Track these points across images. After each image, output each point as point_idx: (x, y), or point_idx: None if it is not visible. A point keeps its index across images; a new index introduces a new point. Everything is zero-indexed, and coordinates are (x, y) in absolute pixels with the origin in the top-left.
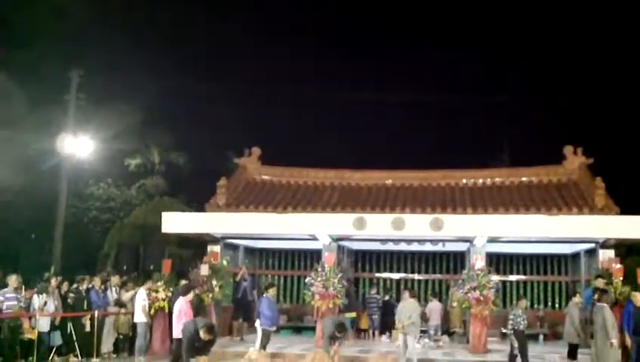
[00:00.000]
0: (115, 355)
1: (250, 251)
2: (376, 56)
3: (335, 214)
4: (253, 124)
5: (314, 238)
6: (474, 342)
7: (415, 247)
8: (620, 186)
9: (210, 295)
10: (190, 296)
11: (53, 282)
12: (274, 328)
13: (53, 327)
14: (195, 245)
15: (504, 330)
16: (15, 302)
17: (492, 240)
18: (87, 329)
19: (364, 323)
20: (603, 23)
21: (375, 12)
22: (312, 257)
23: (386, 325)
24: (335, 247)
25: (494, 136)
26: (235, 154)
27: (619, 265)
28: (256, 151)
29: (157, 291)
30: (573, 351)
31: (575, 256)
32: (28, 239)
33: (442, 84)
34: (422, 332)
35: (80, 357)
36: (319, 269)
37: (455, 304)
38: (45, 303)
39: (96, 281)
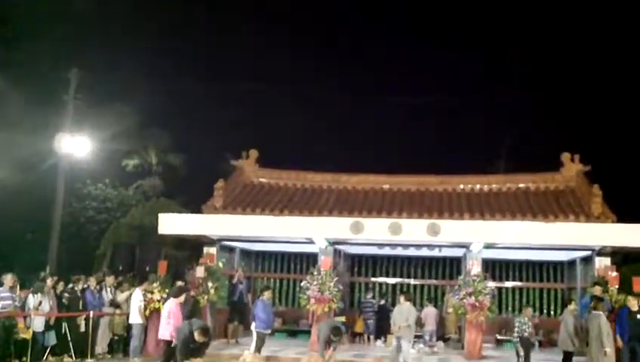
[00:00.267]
0: (109, 356)
1: (246, 254)
2: (373, 57)
3: (332, 218)
4: (251, 126)
5: (310, 242)
6: (469, 348)
7: (411, 252)
8: (617, 194)
9: (206, 297)
10: (181, 298)
11: (49, 282)
12: (269, 331)
13: (47, 327)
14: (192, 247)
15: (499, 337)
16: (10, 302)
17: (488, 246)
18: (82, 329)
19: (359, 328)
20: (602, 29)
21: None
22: (309, 261)
23: (382, 330)
24: (331, 251)
25: (492, 140)
26: (232, 156)
27: (615, 273)
28: (254, 153)
29: (152, 292)
30: (567, 359)
31: (571, 264)
32: (24, 238)
33: (441, 85)
34: (417, 337)
35: (74, 358)
36: (315, 273)
37: (451, 310)
38: (40, 303)
39: (92, 281)
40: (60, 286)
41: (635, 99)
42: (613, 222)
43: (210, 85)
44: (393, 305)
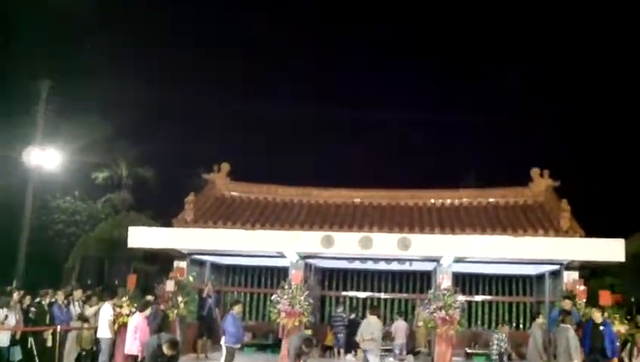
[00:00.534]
0: None
1: (216, 267)
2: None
3: (303, 232)
4: (222, 140)
5: (281, 256)
6: (439, 361)
7: (382, 266)
8: (584, 209)
9: (176, 311)
10: (147, 312)
11: (15, 296)
12: (238, 345)
13: (13, 342)
14: (162, 260)
15: (469, 350)
16: None
17: (458, 260)
18: (49, 344)
19: (329, 341)
20: (577, 43)
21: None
22: (279, 275)
23: (352, 343)
24: (302, 265)
25: (460, 155)
26: (204, 169)
27: (583, 287)
28: (226, 166)
29: (121, 306)
30: None
31: (540, 278)
32: None
33: (411, 99)
34: (387, 351)
35: None
36: (286, 287)
37: (421, 323)
38: (6, 317)
39: (60, 295)
40: (27, 301)
41: (603, 115)
42: (581, 236)
43: (181, 98)
44: (364, 318)
